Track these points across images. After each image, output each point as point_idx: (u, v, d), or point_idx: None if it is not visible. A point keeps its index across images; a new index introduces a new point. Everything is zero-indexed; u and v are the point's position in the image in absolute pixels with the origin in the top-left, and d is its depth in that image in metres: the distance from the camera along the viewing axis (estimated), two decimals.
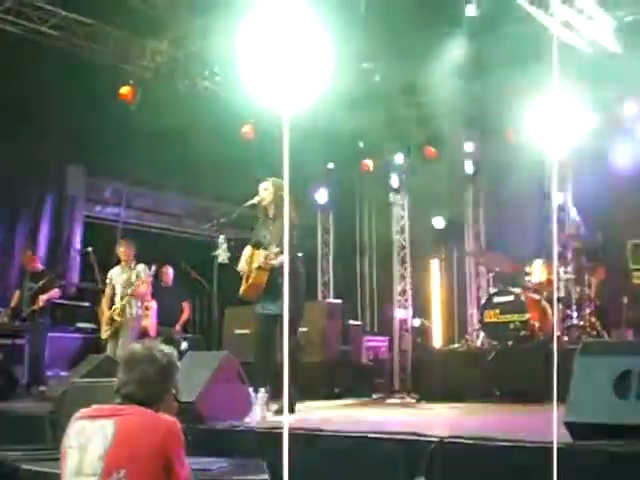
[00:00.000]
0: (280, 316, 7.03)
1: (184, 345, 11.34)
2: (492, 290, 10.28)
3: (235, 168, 13.76)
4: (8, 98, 11.56)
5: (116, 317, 9.40)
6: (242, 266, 7.27)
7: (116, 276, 9.73)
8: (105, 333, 9.55)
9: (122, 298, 9.50)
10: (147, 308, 10.71)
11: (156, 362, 3.47)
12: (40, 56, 11.52)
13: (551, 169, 12.14)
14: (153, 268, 10.04)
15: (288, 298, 6.81)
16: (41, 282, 10.33)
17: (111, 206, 14.73)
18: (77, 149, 13.17)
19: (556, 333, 9.61)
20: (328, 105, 14.17)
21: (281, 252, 6.88)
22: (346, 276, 15.73)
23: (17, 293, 10.67)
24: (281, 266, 6.94)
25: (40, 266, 10.76)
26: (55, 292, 10.50)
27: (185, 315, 12.41)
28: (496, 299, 9.89)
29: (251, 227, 7.56)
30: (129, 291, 9.47)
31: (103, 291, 9.96)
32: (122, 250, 9.74)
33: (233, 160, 13.75)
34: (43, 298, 10.35)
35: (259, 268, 7.01)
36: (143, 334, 9.89)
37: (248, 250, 7.37)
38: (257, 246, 7.29)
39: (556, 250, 10.05)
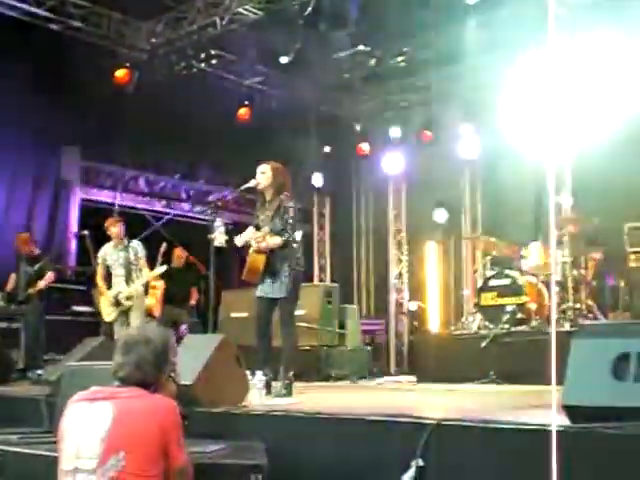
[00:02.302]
0: (276, 299, 7.04)
1: (183, 328, 11.35)
2: (489, 273, 10.27)
3: (232, 151, 13.75)
4: (4, 79, 11.51)
5: (125, 302, 9.34)
6: (238, 240, 7.22)
7: (110, 255, 9.63)
8: (110, 316, 9.48)
9: (127, 282, 9.45)
10: (153, 287, 10.65)
11: (151, 344, 3.48)
12: (36, 38, 11.47)
13: (548, 152, 12.21)
14: (163, 246, 10.05)
15: (285, 281, 6.92)
16: (37, 265, 10.28)
17: (107, 189, 14.68)
18: (72, 131, 13.12)
19: (553, 316, 9.63)
20: (326, 88, 14.26)
21: (274, 234, 6.87)
22: (342, 260, 15.74)
23: (13, 276, 10.61)
24: (277, 248, 6.94)
25: (36, 249, 10.72)
26: (50, 276, 10.45)
27: (193, 299, 12.36)
28: (493, 282, 9.89)
29: (249, 211, 7.55)
30: (134, 274, 9.43)
31: None
32: (113, 227, 9.62)
33: (230, 143, 13.73)
34: (40, 284, 10.30)
35: (255, 251, 7.00)
36: (147, 314, 9.86)
37: (250, 232, 7.35)
38: (257, 229, 7.28)
39: (553, 233, 10.07)
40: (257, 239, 6.90)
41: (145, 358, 3.43)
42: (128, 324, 9.32)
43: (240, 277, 7.39)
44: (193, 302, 12.25)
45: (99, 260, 9.69)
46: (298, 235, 7.14)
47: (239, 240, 7.26)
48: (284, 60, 11.79)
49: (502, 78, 11.76)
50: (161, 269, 9.84)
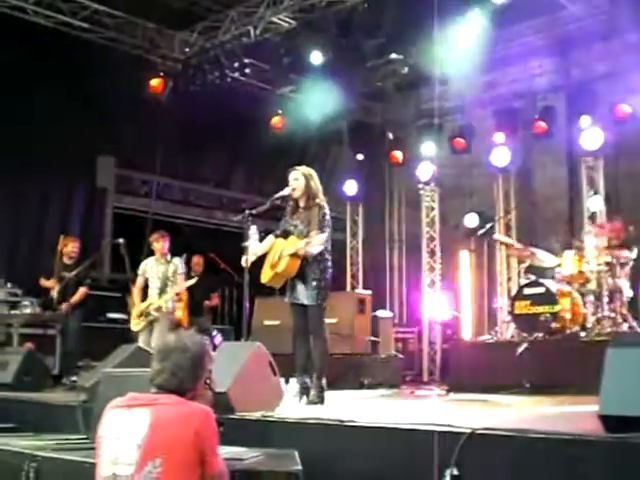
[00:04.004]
0: (308, 306, 7.04)
1: (218, 337, 11.41)
2: (523, 281, 10.21)
3: (265, 159, 13.80)
4: (40, 88, 11.64)
5: (153, 313, 9.46)
6: (256, 249, 7.21)
7: (150, 268, 9.77)
8: (136, 326, 9.61)
9: (160, 294, 9.56)
10: (181, 300, 10.78)
11: (188, 351, 3.50)
12: (71, 48, 11.60)
13: (581, 159, 12.14)
14: (184, 256, 10.12)
15: (315, 287, 6.93)
16: (74, 272, 10.35)
17: (141, 197, 14.79)
18: (108, 140, 13.25)
19: (588, 325, 9.56)
20: (358, 97, 14.29)
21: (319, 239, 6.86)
22: (375, 268, 15.72)
23: (50, 284, 10.61)
24: (317, 254, 6.95)
25: (77, 250, 10.76)
26: (83, 292, 10.52)
27: (214, 305, 12.46)
28: (527, 290, 9.83)
29: (279, 218, 7.56)
30: (169, 289, 9.56)
31: (134, 281, 10.01)
32: (157, 242, 9.77)
33: (263, 151, 13.78)
34: (73, 299, 10.36)
35: (293, 255, 6.97)
36: (177, 325, 9.95)
37: (270, 240, 7.36)
38: (285, 235, 7.29)
39: (588, 241, 10.00)
40: (308, 242, 6.86)
41: (181, 365, 3.45)
42: (150, 334, 9.45)
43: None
44: (211, 304, 12.29)
45: (140, 272, 9.83)
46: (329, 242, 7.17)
47: (260, 248, 7.27)
48: (317, 62, 11.81)
49: (539, 85, 11.74)
50: (191, 282, 9.95)
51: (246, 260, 7.01)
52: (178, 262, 9.80)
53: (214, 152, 14.49)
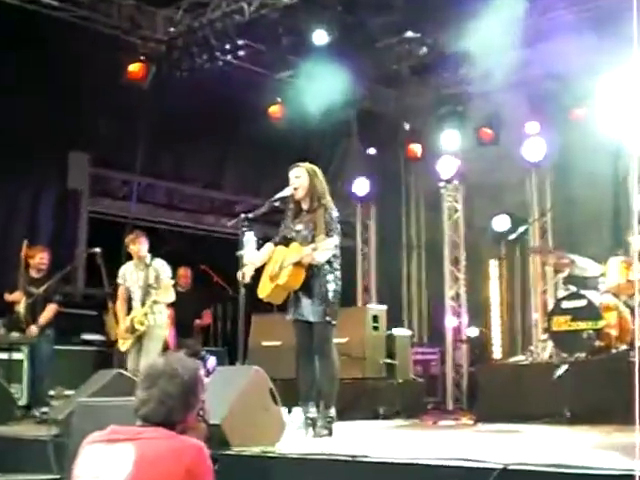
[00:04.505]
0: (314, 323, 7.06)
1: (211, 360, 11.43)
2: (561, 294, 10.22)
3: (263, 155, 13.83)
4: (2, 74, 11.67)
5: (138, 326, 9.45)
6: (253, 259, 7.22)
7: (130, 275, 9.76)
8: (125, 345, 9.60)
9: (143, 303, 9.55)
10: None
11: (178, 377, 3.51)
12: (39, 27, 11.62)
13: (629, 153, 12.13)
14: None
15: (323, 301, 6.94)
16: (42, 288, 10.37)
17: (120, 200, 14.82)
18: (81, 134, 13.28)
19: (638, 343, 9.55)
20: (368, 82, 14.30)
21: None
22: (390, 279, 15.73)
23: (15, 297, 10.56)
24: (325, 262, 6.97)
25: (46, 262, 10.76)
26: (52, 309, 10.52)
27: (205, 324, 12.50)
28: (566, 304, 9.83)
29: (278, 223, 7.59)
30: (153, 296, 9.52)
31: (112, 296, 10.03)
32: (132, 244, 9.73)
33: (260, 146, 13.80)
34: (41, 320, 10.37)
35: (297, 265, 6.98)
36: (164, 347, 9.94)
37: (269, 248, 7.38)
38: (286, 243, 7.30)
39: (637, 246, 10.00)
40: (315, 247, 6.85)
41: (170, 393, 3.46)
42: (139, 354, 9.43)
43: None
44: (202, 323, 12.31)
45: (120, 280, 9.80)
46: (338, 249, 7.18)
47: (257, 258, 7.29)
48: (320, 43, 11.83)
49: (576, 65, 11.70)
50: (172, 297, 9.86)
51: (243, 274, 7.02)
52: (159, 265, 9.71)
53: (203, 147, 14.50)
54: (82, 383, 8.00)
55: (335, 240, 6.97)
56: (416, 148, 14.65)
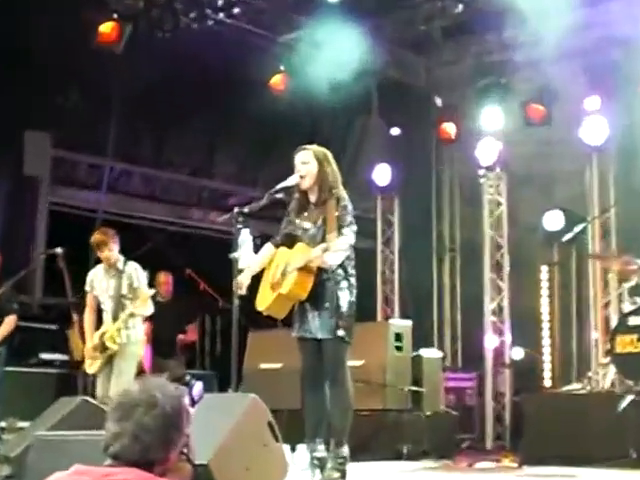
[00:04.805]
0: (323, 341, 7.06)
1: (198, 387, 11.46)
2: (627, 307, 10.22)
3: (262, 136, 13.84)
4: None
5: (109, 344, 9.38)
6: (251, 263, 7.24)
7: (99, 282, 9.70)
8: (92, 366, 9.57)
9: (115, 317, 9.49)
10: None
11: (157, 408, 3.50)
12: None
13: None
14: (146, 273, 10.03)
15: (338, 315, 6.95)
16: None
17: (87, 189, 14.86)
18: (41, 109, 13.31)
19: None
20: (392, 47, 14.29)
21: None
22: (417, 288, 15.73)
23: None
24: (338, 266, 6.98)
25: None
26: (11, 321, 10.55)
27: (189, 341, 12.52)
28: (633, 320, 9.84)
29: (280, 218, 7.61)
30: (129, 308, 9.47)
31: (77, 307, 10.03)
32: (100, 252, 9.64)
33: (259, 125, 13.81)
34: (1, 332, 10.41)
35: (303, 270, 6.97)
36: (139, 370, 9.93)
37: (269, 249, 7.40)
38: (290, 243, 7.31)
39: None
40: (326, 248, 6.84)
41: (148, 427, 3.45)
42: (109, 377, 9.41)
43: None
44: (186, 339, 12.35)
45: (87, 286, 9.74)
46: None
47: (256, 262, 7.30)
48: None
49: None
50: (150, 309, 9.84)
51: (240, 283, 7.03)
52: (133, 269, 9.59)
53: (190, 126, 14.53)
54: (40, 413, 8.02)
55: (350, 239, 6.97)
56: (450, 128, 14.62)
